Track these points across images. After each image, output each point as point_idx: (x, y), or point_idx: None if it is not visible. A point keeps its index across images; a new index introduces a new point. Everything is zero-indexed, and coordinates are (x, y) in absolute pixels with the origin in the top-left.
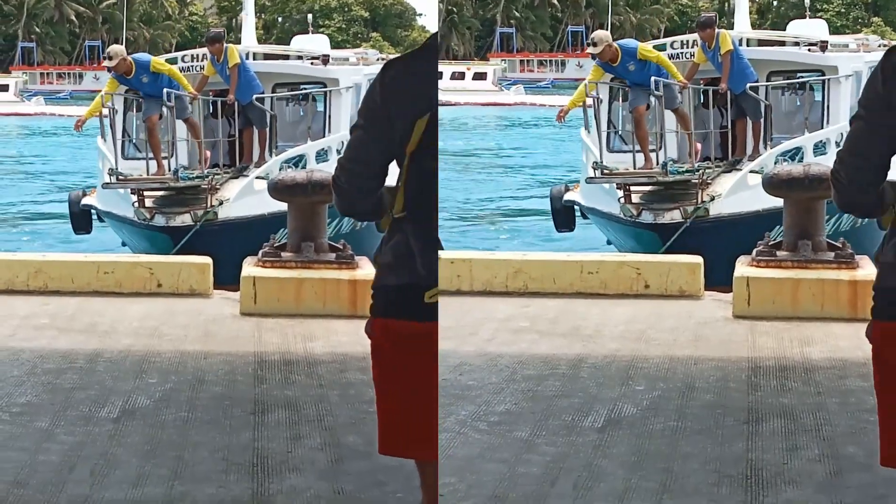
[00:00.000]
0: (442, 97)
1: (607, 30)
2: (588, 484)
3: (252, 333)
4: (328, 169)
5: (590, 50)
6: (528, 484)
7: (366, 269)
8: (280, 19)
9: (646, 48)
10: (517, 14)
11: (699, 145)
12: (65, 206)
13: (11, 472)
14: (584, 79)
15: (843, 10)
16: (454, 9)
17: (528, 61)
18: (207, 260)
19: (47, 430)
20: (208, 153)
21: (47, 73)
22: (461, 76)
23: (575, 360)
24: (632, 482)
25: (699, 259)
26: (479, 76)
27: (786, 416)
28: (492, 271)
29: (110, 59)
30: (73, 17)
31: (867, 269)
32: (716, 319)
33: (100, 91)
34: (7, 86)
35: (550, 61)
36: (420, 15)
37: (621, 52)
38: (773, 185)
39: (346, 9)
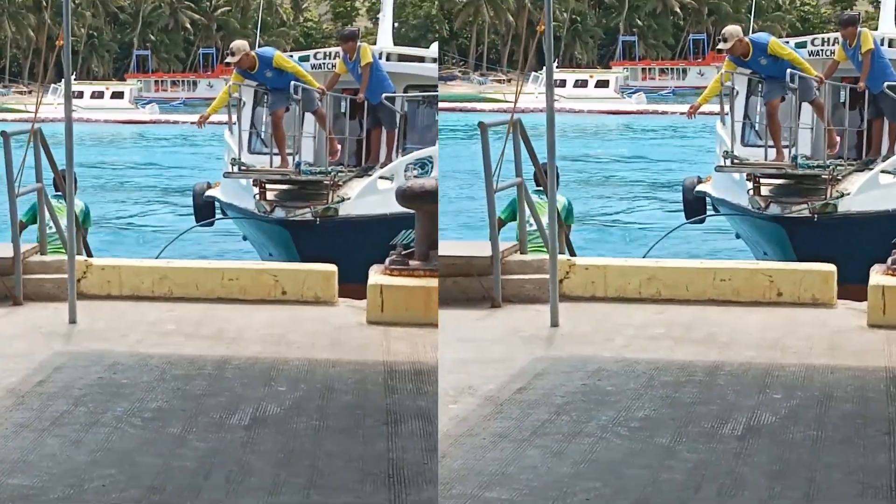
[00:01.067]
0: (564, 105)
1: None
2: (731, 492)
3: (380, 342)
4: None
5: (720, 46)
6: (672, 490)
7: None
8: (396, 25)
9: (777, 44)
10: (639, 22)
11: (838, 138)
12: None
13: (148, 478)
14: (704, 87)
15: None
16: (577, 17)
17: (649, 69)
18: (332, 268)
19: (180, 436)
20: (339, 146)
21: (162, 81)
22: (584, 84)
23: (711, 367)
24: (775, 490)
25: (832, 267)
26: (602, 84)
27: None
28: (625, 278)
29: (233, 54)
30: (188, 25)
31: None
32: (850, 328)
33: (212, 98)
34: (122, 93)
35: (672, 69)
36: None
37: (753, 46)
38: None
39: (431, 21)
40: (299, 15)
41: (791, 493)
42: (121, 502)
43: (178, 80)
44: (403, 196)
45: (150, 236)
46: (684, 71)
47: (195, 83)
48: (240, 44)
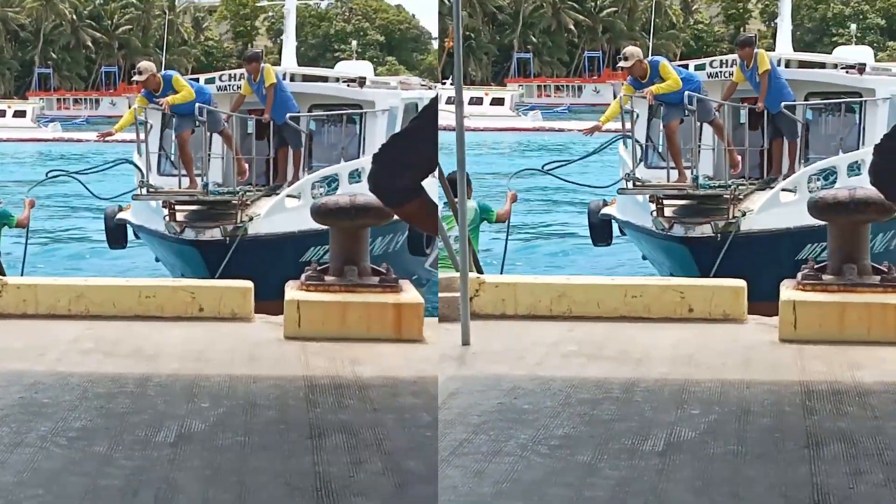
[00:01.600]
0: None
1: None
2: None
3: (298, 357)
4: (361, 190)
5: (621, 64)
6: None
7: (410, 293)
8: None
9: (665, 67)
10: (534, 39)
11: (739, 157)
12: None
13: (75, 498)
14: (600, 104)
15: (859, 35)
16: (471, 34)
17: (545, 86)
18: (249, 284)
19: (106, 454)
20: (246, 166)
21: (64, 99)
22: (479, 101)
23: (627, 383)
24: None
25: (742, 283)
26: (497, 101)
27: (845, 440)
28: (536, 295)
29: (140, 73)
30: (90, 43)
31: None
32: (762, 343)
33: (115, 115)
34: (24, 111)
35: (567, 86)
36: (435, 39)
37: (650, 68)
38: (818, 208)
39: (363, 33)
40: (200, 34)
41: None
42: None
43: (81, 98)
44: (318, 212)
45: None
46: (580, 88)
47: (98, 101)
48: (146, 64)
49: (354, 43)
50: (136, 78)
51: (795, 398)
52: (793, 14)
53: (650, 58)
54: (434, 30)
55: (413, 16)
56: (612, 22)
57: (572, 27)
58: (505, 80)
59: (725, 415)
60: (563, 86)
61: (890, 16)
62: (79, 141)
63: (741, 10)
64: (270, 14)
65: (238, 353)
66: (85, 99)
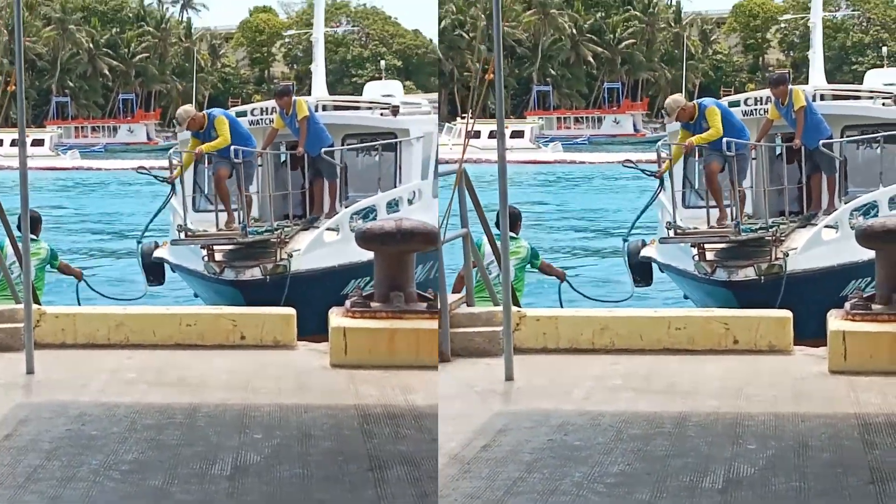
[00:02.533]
0: (481, 155)
1: (642, 86)
2: None
3: (347, 386)
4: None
5: (667, 121)
6: None
7: None
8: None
9: (712, 112)
10: (553, 72)
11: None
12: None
13: None
14: (620, 135)
15: (879, 63)
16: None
17: (564, 118)
18: (291, 311)
19: (162, 488)
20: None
21: (82, 127)
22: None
23: (678, 417)
24: None
25: (788, 314)
26: (517, 134)
27: None
28: (578, 328)
29: (179, 123)
30: (107, 72)
31: None
32: (812, 375)
33: (133, 143)
34: (42, 140)
35: (587, 118)
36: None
37: (698, 109)
38: (866, 236)
39: (379, 58)
40: (217, 61)
41: None
42: None
43: (99, 126)
44: (363, 237)
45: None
46: (600, 119)
47: (115, 129)
48: (183, 112)
49: (383, 63)
50: (178, 129)
51: (853, 431)
52: (809, 44)
53: (701, 100)
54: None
55: (431, 41)
56: (630, 53)
57: (591, 59)
58: (524, 112)
59: (783, 449)
60: (582, 117)
61: None
62: (98, 169)
63: (760, 41)
64: (287, 40)
65: (285, 381)
66: (102, 127)
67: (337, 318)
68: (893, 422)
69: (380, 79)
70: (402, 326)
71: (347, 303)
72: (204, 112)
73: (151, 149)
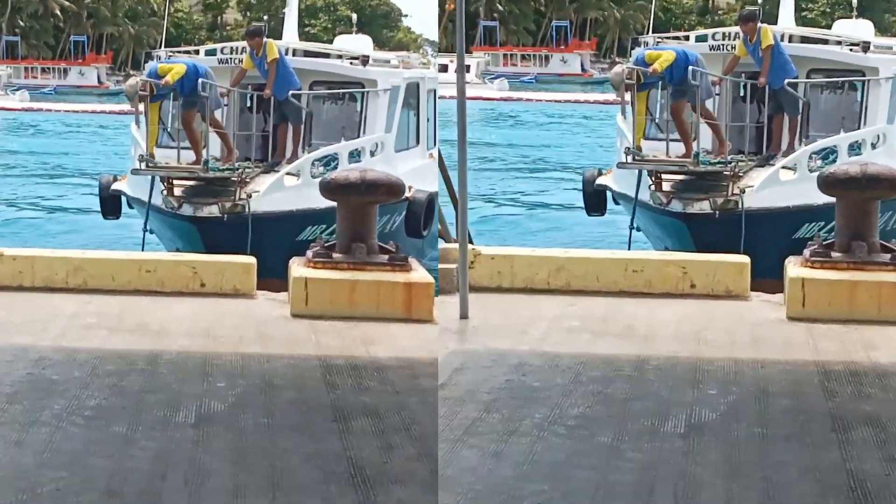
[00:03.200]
0: (443, 91)
1: (590, 25)
2: (688, 493)
3: (309, 336)
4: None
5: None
6: (625, 493)
7: (420, 272)
8: (266, 17)
9: (652, 54)
10: (500, 7)
11: (728, 142)
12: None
13: (101, 481)
14: (567, 74)
15: (827, 10)
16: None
17: (511, 55)
18: (252, 260)
19: (127, 435)
20: (233, 147)
21: (32, 68)
22: (444, 69)
23: (637, 361)
24: (733, 491)
25: (746, 259)
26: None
27: (873, 424)
28: (533, 268)
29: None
30: (58, 12)
31: None
32: (770, 321)
33: (84, 85)
34: None
35: (534, 56)
36: (405, 16)
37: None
38: (828, 183)
39: (332, 8)
40: (170, 5)
41: (750, 494)
42: None
43: (49, 67)
44: (327, 188)
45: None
46: (547, 58)
47: (66, 70)
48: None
49: (355, 16)
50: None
51: (813, 379)
52: None
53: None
54: (404, 7)
55: None
56: None
57: None
58: (471, 48)
59: (744, 395)
60: (529, 55)
61: None
62: (48, 111)
63: None
64: None
65: (246, 330)
66: (53, 68)
67: (298, 269)
68: (852, 370)
69: (332, 33)
70: (364, 278)
71: (309, 253)
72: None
73: (102, 92)
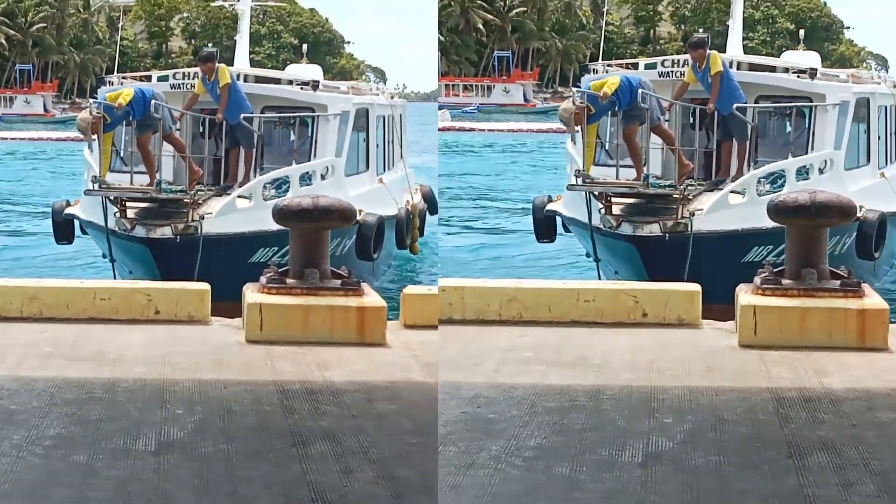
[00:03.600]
0: None
1: (532, 55)
2: None
3: (264, 362)
4: (311, 193)
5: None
6: None
7: (372, 296)
8: (210, 45)
9: (596, 83)
10: (441, 38)
11: (690, 163)
12: None
13: None
14: (510, 104)
15: (768, 39)
16: None
17: (453, 86)
18: (206, 286)
19: (88, 464)
20: (199, 168)
21: None
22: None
23: (592, 391)
24: None
25: (697, 287)
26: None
27: (828, 450)
28: (485, 300)
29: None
30: (3, 41)
31: (874, 298)
32: (722, 349)
33: (29, 114)
34: None
35: (476, 86)
36: (348, 42)
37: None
38: (777, 211)
39: (276, 36)
40: (115, 33)
41: None
42: None
43: None
44: (280, 214)
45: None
46: (489, 88)
47: (12, 99)
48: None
49: (305, 46)
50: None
51: (767, 406)
52: (701, 18)
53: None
54: (347, 34)
55: (326, 19)
56: (521, 22)
57: (481, 26)
58: None
59: (699, 423)
60: (472, 85)
61: (799, 20)
62: None
63: (651, 13)
64: (185, 15)
65: (202, 357)
66: None
67: (252, 294)
68: (806, 396)
69: (276, 60)
70: (318, 303)
71: (263, 279)
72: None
73: (48, 121)
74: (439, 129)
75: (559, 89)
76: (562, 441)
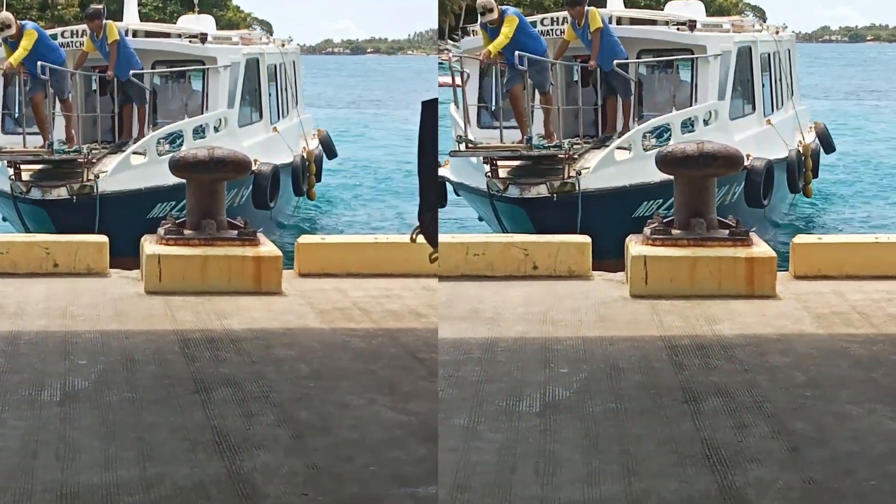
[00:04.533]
0: None
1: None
2: (549, 469)
3: (164, 311)
4: (206, 145)
5: (484, 19)
6: (487, 473)
7: (268, 246)
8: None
9: (510, 19)
10: None
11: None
12: None
13: None
14: None
15: None
16: None
17: None
18: (104, 239)
19: None
20: (73, 131)
21: None
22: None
23: (486, 343)
24: (593, 465)
25: (587, 239)
26: None
27: (722, 394)
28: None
29: (8, 27)
30: None
31: (762, 247)
32: (614, 299)
33: None
34: None
35: None
36: None
37: (501, 15)
38: (666, 162)
39: None
40: None
41: (610, 468)
42: None
43: None
44: (176, 165)
45: None
46: None
47: None
48: (5, 15)
49: None
50: (4, 33)
51: (661, 353)
52: None
53: (504, 7)
54: None
55: None
56: None
57: None
58: None
59: (595, 372)
60: None
61: None
62: None
63: None
64: None
65: (103, 308)
66: None
67: (151, 246)
68: (698, 343)
69: (163, 12)
70: (215, 253)
71: (161, 230)
72: (18, 22)
73: None
74: None
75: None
76: (457, 393)
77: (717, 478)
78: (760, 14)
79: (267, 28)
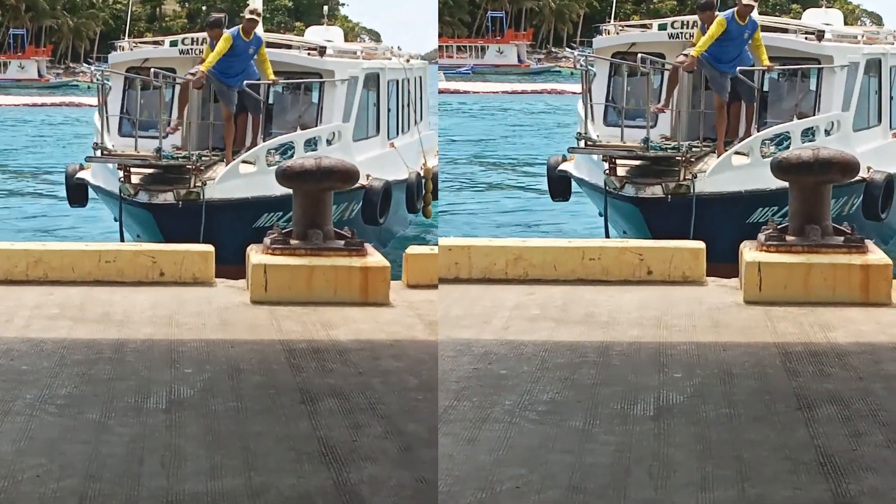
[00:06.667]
0: None
1: (526, 15)
2: (663, 473)
3: (269, 321)
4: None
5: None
6: (602, 474)
7: (375, 257)
8: (205, 9)
9: (719, 22)
10: None
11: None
12: None
13: (80, 466)
14: (504, 65)
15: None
16: None
17: (447, 47)
18: (209, 248)
19: (100, 421)
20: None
21: None
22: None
23: (601, 347)
24: (706, 470)
25: (702, 245)
26: None
27: (836, 402)
28: (491, 258)
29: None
30: None
31: (877, 254)
32: (728, 305)
33: (24, 79)
34: None
35: (470, 47)
36: (343, 4)
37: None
38: (781, 168)
39: None
40: None
41: (724, 473)
42: (60, 492)
43: None
44: (283, 175)
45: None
46: (483, 49)
47: (6, 64)
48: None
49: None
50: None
51: (775, 360)
52: None
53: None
54: None
55: None
56: None
57: None
58: None
59: (709, 378)
60: (465, 46)
61: None
62: None
63: None
64: None
65: (208, 317)
66: None
67: (257, 256)
68: (812, 350)
69: (270, 22)
70: (321, 263)
71: (267, 240)
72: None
73: (42, 86)
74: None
75: (553, 49)
76: (573, 395)
77: (832, 485)
78: (877, 20)
79: (375, 37)
